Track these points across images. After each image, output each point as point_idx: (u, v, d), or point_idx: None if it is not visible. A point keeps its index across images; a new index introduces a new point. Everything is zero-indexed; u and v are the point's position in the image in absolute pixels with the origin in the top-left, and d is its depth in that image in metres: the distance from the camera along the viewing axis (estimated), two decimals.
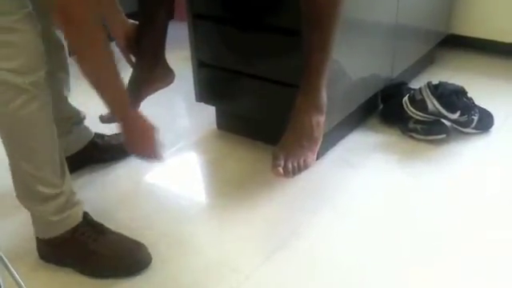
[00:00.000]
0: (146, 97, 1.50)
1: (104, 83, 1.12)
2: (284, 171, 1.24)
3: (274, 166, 1.26)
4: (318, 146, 1.30)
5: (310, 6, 1.25)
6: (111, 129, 1.69)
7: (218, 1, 1.55)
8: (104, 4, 1.40)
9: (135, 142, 1.26)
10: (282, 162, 1.25)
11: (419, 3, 1.90)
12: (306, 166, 1.27)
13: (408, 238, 1.31)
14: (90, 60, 1.08)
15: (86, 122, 1.58)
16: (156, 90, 1.52)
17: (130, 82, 1.50)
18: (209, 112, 1.79)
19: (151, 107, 1.61)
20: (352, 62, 1.59)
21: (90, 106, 1.46)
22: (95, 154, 1.60)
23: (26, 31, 1.05)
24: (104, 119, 1.51)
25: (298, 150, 1.25)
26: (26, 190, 1.19)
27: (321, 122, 1.30)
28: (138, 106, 1.53)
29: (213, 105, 1.76)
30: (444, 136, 1.67)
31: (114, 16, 1.43)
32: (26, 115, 1.09)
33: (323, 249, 1.29)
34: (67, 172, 1.23)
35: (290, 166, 1.26)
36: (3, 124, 1.11)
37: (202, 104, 1.73)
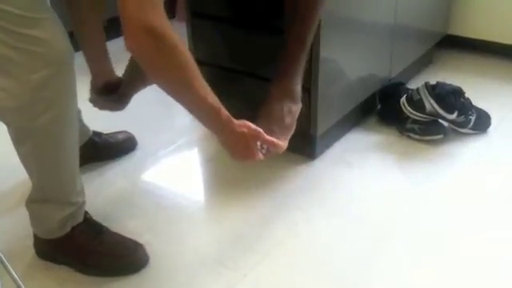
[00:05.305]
0: (141, 88, 1.49)
1: (191, 102, 1.04)
2: None
3: None
4: (291, 134, 1.26)
5: None
6: (108, 127, 1.69)
7: None
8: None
9: (236, 151, 1.15)
10: None
11: (418, 4, 1.90)
12: (275, 151, 1.21)
13: (405, 237, 1.31)
14: (177, 82, 0.99)
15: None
16: (151, 83, 1.50)
17: (126, 72, 1.49)
18: None
19: (150, 105, 1.62)
20: (350, 61, 1.59)
21: (84, 102, 1.46)
22: (93, 153, 1.59)
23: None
24: (96, 103, 1.50)
25: (268, 134, 1.18)
26: (45, 195, 1.18)
27: (294, 110, 1.28)
28: (131, 96, 1.52)
29: None
30: (441, 136, 1.68)
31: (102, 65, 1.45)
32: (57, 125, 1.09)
33: (320, 248, 1.30)
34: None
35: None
36: (33, 136, 1.09)
37: None
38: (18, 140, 1.11)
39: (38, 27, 1.00)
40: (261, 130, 1.12)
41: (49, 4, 1.06)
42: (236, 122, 1.10)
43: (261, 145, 1.18)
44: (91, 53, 1.43)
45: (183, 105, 1.04)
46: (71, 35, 1.09)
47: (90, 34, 1.39)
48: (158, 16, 0.90)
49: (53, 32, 1.03)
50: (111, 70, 1.48)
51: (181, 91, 1.01)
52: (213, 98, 1.05)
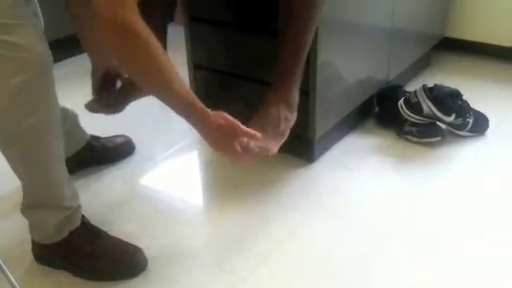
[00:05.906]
0: (139, 97, 1.48)
1: (164, 91, 1.04)
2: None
3: None
4: (283, 140, 1.25)
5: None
6: (106, 131, 1.69)
7: (214, 3, 1.56)
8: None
9: (213, 141, 1.15)
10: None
11: (415, 7, 1.91)
12: (266, 152, 1.20)
13: (404, 239, 1.31)
14: (150, 75, 1.00)
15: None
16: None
17: (125, 80, 1.49)
18: None
19: (148, 109, 1.62)
20: (348, 64, 1.60)
21: (81, 107, 1.46)
22: (91, 157, 1.59)
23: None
24: (91, 107, 1.49)
25: (261, 134, 1.17)
26: (36, 200, 1.19)
27: (289, 118, 1.27)
28: (127, 104, 1.51)
29: (209, 107, 1.76)
30: (439, 139, 1.68)
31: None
32: (41, 130, 1.09)
33: (319, 250, 1.29)
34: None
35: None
36: (18, 140, 1.09)
37: None
38: (4, 144, 1.11)
39: (16, 33, 1.01)
40: (238, 122, 1.12)
41: (33, 8, 1.07)
42: (212, 112, 1.10)
43: (253, 144, 1.18)
44: (90, 44, 1.42)
45: (158, 97, 1.04)
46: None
47: (85, 27, 1.39)
48: (130, 10, 0.93)
49: (30, 37, 1.04)
50: (111, 59, 1.47)
51: (152, 83, 1.02)
52: (187, 91, 1.06)
